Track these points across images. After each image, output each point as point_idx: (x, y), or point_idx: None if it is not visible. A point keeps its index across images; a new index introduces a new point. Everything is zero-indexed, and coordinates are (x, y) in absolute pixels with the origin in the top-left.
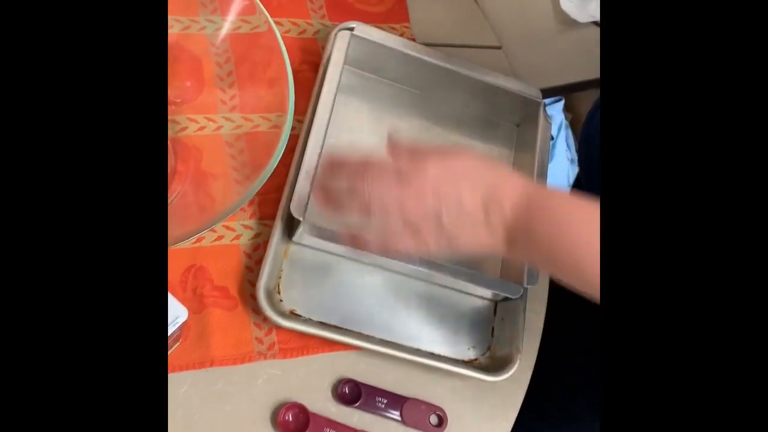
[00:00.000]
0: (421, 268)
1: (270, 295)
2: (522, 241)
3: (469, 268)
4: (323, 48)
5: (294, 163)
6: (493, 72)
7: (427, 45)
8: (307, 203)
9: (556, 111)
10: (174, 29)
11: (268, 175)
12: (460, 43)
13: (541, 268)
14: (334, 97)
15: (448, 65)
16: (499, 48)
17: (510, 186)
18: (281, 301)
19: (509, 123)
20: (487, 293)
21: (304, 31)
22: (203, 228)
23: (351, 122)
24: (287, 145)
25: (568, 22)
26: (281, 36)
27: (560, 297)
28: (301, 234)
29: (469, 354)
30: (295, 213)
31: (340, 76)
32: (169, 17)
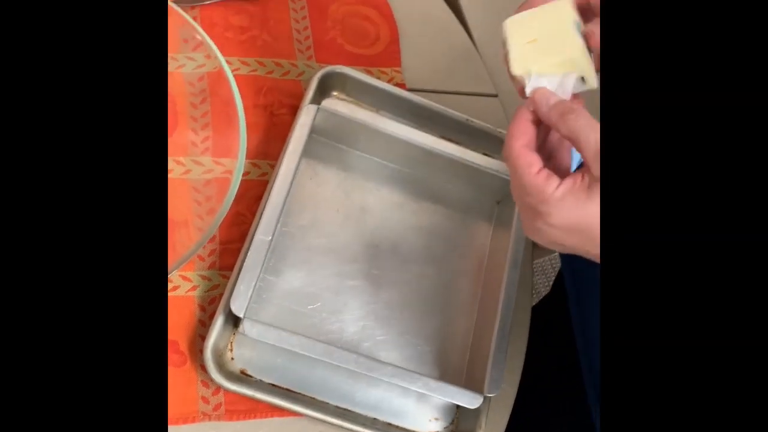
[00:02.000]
0: (382, 378)
1: (220, 354)
2: None
3: (436, 367)
4: (305, 91)
5: (249, 237)
6: (472, 151)
7: (417, 91)
8: (251, 295)
9: None
10: None
11: (218, 224)
12: (454, 90)
13: None
14: (293, 174)
15: (423, 143)
16: (496, 96)
17: None
18: (233, 359)
19: (489, 200)
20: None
21: (287, 72)
22: None
23: (315, 197)
24: (256, 193)
25: None
26: (264, 77)
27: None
28: (244, 329)
29: (431, 426)
30: (236, 309)
31: (300, 157)
32: None
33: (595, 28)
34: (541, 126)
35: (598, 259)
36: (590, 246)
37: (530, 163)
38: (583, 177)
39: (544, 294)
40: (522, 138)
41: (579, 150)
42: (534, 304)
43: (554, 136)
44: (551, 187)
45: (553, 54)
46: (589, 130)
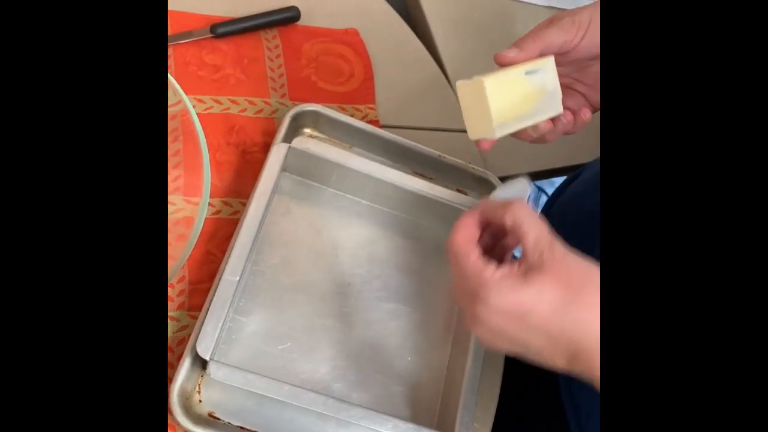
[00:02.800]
0: (351, 420)
1: (187, 397)
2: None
3: (408, 408)
4: (277, 129)
5: (217, 278)
6: (444, 188)
7: (391, 127)
8: (218, 337)
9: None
10: None
11: (181, 265)
12: (428, 126)
13: None
14: (263, 213)
15: (395, 180)
16: None
17: (596, 347)
18: (201, 402)
19: None
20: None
21: (260, 111)
22: None
23: (287, 235)
24: (226, 232)
25: None
26: (236, 115)
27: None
28: (210, 372)
29: None
30: (202, 352)
31: (271, 195)
32: None
33: (504, 51)
34: (488, 231)
35: (538, 357)
36: (531, 336)
37: (469, 251)
38: (520, 264)
39: None
40: (464, 233)
41: (520, 237)
42: None
43: (500, 248)
44: (489, 271)
45: (485, 115)
46: (530, 220)
